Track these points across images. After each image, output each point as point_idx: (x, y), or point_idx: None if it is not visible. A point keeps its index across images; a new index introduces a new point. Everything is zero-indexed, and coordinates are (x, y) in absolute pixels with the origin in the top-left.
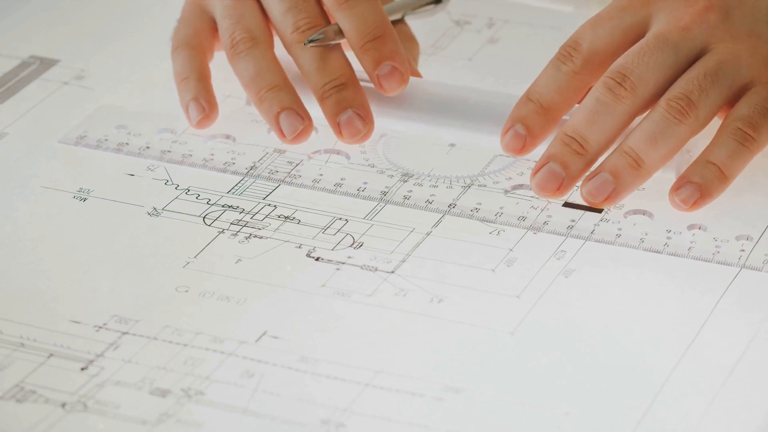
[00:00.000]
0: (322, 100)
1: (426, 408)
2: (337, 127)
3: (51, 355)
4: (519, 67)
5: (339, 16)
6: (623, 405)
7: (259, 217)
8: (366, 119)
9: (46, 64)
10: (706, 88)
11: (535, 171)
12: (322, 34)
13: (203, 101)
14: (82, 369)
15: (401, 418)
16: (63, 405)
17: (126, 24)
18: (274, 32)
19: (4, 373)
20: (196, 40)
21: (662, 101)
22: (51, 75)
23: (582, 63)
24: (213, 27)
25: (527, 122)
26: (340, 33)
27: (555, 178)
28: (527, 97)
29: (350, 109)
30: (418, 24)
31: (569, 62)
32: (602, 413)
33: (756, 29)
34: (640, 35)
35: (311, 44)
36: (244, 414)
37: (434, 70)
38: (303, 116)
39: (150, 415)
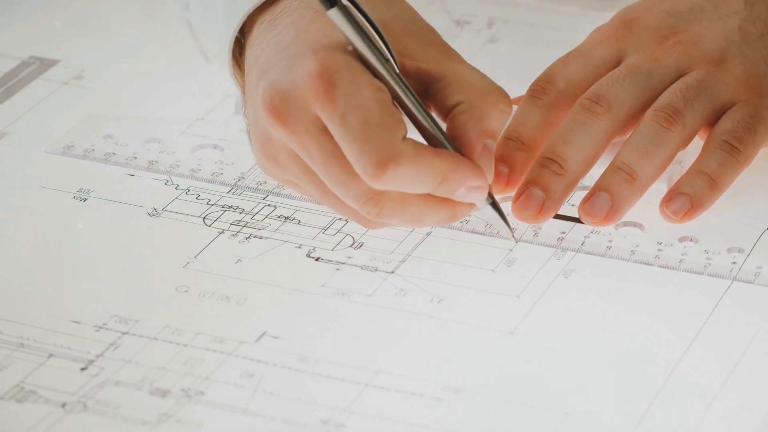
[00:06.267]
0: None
1: (426, 408)
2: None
3: (51, 355)
4: (519, 67)
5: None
6: (623, 405)
7: (259, 217)
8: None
9: (46, 64)
10: (690, 98)
11: (516, 197)
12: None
13: None
14: (82, 369)
15: (401, 418)
16: (63, 405)
17: (126, 24)
18: None
19: (4, 373)
20: None
21: (648, 113)
22: (51, 75)
23: (556, 96)
24: None
25: (508, 160)
26: None
27: (535, 203)
28: (505, 137)
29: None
30: None
31: (544, 96)
32: (602, 413)
33: (729, 51)
34: (612, 70)
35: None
36: (244, 414)
37: None
38: None
39: (150, 415)
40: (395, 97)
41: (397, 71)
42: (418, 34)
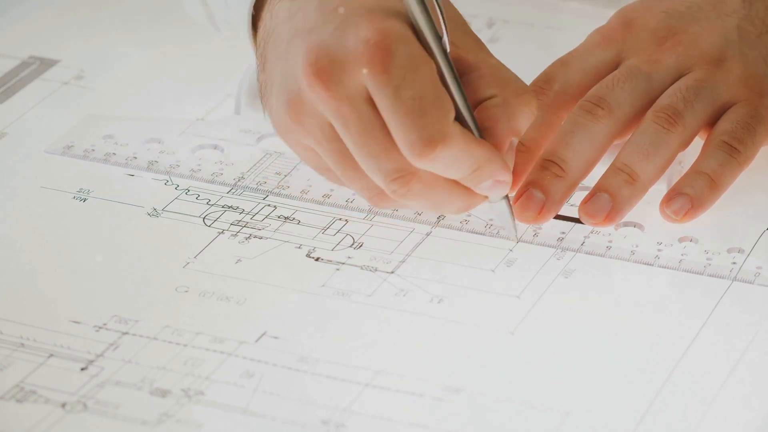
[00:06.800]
0: None
1: (426, 408)
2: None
3: (51, 355)
4: (519, 67)
5: None
6: (623, 405)
7: (259, 217)
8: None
9: (46, 64)
10: (690, 99)
11: (516, 198)
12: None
13: None
14: (82, 369)
15: (401, 418)
16: (63, 405)
17: (126, 24)
18: None
19: (4, 373)
20: None
21: (649, 114)
22: (51, 75)
23: (555, 96)
24: None
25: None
26: None
27: (535, 204)
28: None
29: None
30: None
31: (542, 96)
32: (602, 413)
33: (728, 51)
34: (611, 71)
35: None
36: (244, 414)
37: None
38: None
39: (150, 415)
40: (439, 76)
41: (447, 50)
42: (457, 22)
